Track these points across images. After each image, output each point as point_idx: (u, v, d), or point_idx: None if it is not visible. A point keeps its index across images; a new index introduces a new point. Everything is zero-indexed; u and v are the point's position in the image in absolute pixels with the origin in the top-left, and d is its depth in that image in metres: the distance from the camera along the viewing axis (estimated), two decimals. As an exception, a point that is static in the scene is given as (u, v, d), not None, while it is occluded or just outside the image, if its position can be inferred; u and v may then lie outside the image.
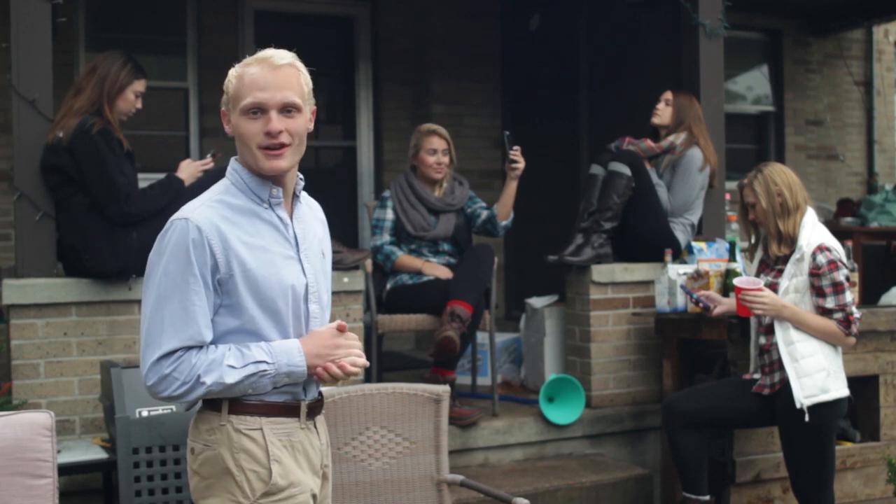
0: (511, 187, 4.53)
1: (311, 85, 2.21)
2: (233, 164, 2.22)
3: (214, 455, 2.13)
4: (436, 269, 4.51)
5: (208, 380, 2.06)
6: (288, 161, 2.15)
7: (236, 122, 2.15)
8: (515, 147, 4.45)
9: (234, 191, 2.18)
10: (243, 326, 2.12)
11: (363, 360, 2.22)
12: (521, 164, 4.46)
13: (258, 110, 2.12)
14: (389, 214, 4.62)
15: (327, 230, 2.39)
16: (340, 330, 2.20)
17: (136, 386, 3.32)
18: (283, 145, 2.13)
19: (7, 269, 4.02)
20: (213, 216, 2.11)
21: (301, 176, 2.26)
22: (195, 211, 2.12)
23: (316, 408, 2.24)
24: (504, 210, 4.60)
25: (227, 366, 2.07)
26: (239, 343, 2.12)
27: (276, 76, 2.12)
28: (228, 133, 2.20)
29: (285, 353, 2.12)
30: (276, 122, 2.11)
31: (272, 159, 2.13)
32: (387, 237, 4.59)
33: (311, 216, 2.32)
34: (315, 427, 2.24)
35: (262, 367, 2.09)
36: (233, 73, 2.17)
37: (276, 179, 2.18)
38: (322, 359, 2.15)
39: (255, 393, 2.12)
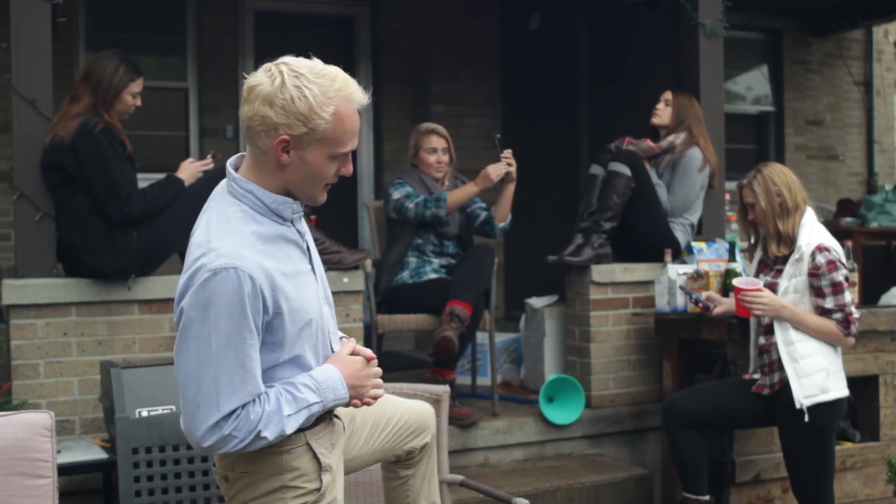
0: (508, 190, 4.53)
1: None
2: (245, 185, 2.03)
3: (257, 481, 2.06)
4: (489, 174, 4.39)
5: (269, 434, 1.97)
6: None
7: (314, 159, 2.00)
8: (506, 150, 4.44)
9: (257, 216, 2.03)
10: (284, 357, 2.04)
11: (382, 392, 2.20)
12: (514, 166, 4.46)
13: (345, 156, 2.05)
14: (411, 189, 4.52)
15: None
16: (368, 360, 2.18)
17: (135, 386, 3.32)
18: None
19: (7, 269, 4.02)
20: (257, 257, 1.96)
21: None
22: (239, 257, 1.93)
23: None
24: (501, 213, 4.59)
25: (285, 416, 1.98)
26: (280, 373, 2.04)
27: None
28: (284, 162, 2.00)
29: (331, 389, 2.06)
30: (350, 165, 2.08)
31: (325, 194, 2.10)
32: (421, 196, 4.46)
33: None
34: (335, 414, 2.23)
35: (315, 408, 2.04)
36: (323, 103, 1.97)
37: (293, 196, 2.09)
38: (355, 390, 2.12)
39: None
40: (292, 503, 2.07)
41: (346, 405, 2.16)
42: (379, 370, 2.21)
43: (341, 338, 2.29)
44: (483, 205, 4.70)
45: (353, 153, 2.15)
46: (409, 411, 2.51)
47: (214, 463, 2.16)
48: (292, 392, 2.02)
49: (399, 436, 2.48)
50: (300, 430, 2.07)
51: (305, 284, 2.09)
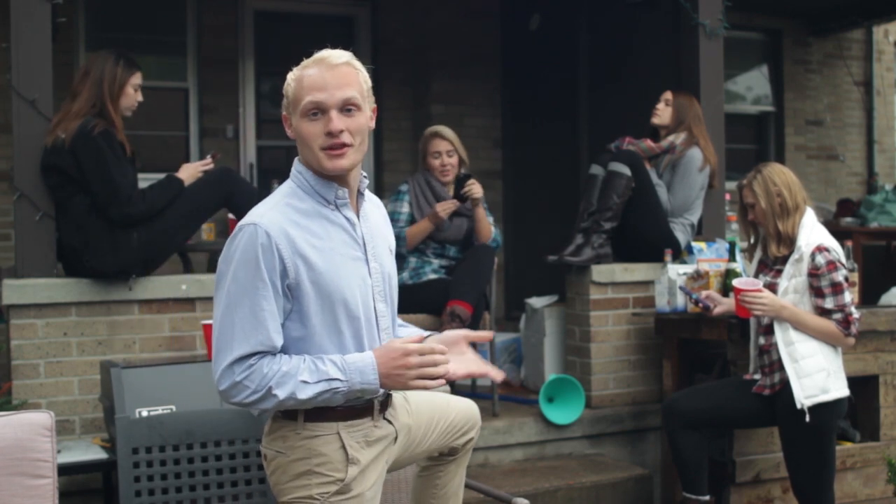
0: (478, 213, 4.54)
1: (370, 83, 2.22)
2: (296, 167, 2.22)
3: (287, 462, 2.16)
4: (437, 212, 4.43)
5: (280, 393, 2.07)
6: (350, 160, 2.16)
7: (297, 124, 2.15)
8: (469, 182, 4.44)
9: (301, 193, 2.18)
10: (315, 331, 2.13)
11: (434, 382, 2.16)
12: (477, 191, 4.45)
13: (318, 111, 2.12)
14: (405, 208, 4.58)
15: (390, 225, 2.42)
16: (408, 352, 2.16)
17: (135, 386, 3.32)
18: (344, 145, 2.13)
19: (7, 269, 4.02)
20: (282, 220, 2.11)
21: (364, 174, 2.27)
22: (263, 216, 2.11)
23: (387, 403, 2.27)
24: (481, 234, 4.58)
25: (300, 381, 2.07)
26: (313, 350, 2.12)
27: (333, 75, 2.12)
28: (291, 137, 2.20)
29: (359, 372, 2.11)
30: (337, 121, 2.12)
31: (334, 159, 2.13)
32: (402, 230, 4.52)
33: (376, 213, 2.34)
34: (385, 417, 2.27)
35: (336, 384, 2.10)
36: (291, 76, 2.18)
37: (340, 180, 2.18)
38: (391, 379, 2.14)
39: (326, 406, 2.14)
40: (317, 490, 2.14)
41: (386, 394, 2.22)
42: (430, 357, 2.15)
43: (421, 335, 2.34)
44: (489, 218, 4.69)
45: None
46: (456, 410, 2.54)
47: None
48: (316, 363, 2.10)
49: (446, 435, 2.51)
50: (333, 418, 2.15)
51: (345, 266, 2.16)
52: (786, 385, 3.57)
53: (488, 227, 4.59)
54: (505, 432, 4.39)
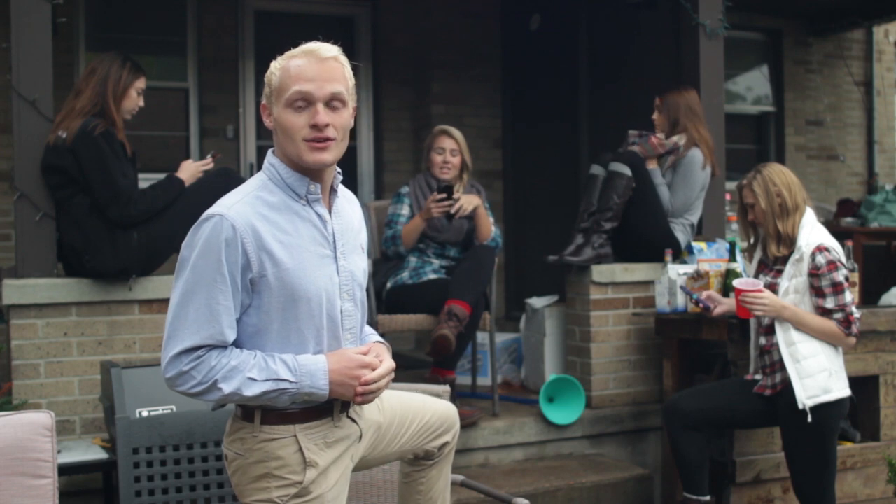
0: (476, 214, 4.52)
1: (353, 80, 2.19)
2: (269, 159, 2.18)
3: (247, 464, 2.14)
4: (429, 206, 4.40)
5: (225, 387, 2.04)
6: (332, 155, 2.13)
7: (279, 114, 2.12)
8: (454, 198, 4.42)
9: (272, 186, 2.15)
10: (274, 327, 2.10)
11: (370, 397, 2.15)
12: (466, 208, 4.45)
13: (304, 102, 2.09)
14: (405, 210, 4.59)
15: (364, 223, 2.37)
16: (367, 364, 2.16)
17: (136, 386, 3.32)
18: (328, 139, 2.10)
19: (7, 269, 4.02)
20: (250, 213, 2.07)
21: (339, 170, 2.23)
22: (231, 207, 2.07)
23: (347, 402, 2.22)
24: (482, 234, 4.57)
25: (247, 377, 2.04)
26: (269, 347, 2.09)
27: (322, 68, 2.10)
28: (269, 126, 2.17)
29: (309, 375, 2.08)
30: (323, 114, 2.09)
31: (317, 152, 2.10)
32: (398, 230, 4.56)
33: (349, 210, 2.30)
34: (348, 416, 2.23)
35: (283, 385, 2.06)
36: (276, 65, 2.14)
37: (314, 175, 2.15)
38: (342, 387, 2.12)
39: (272, 406, 2.11)
40: (276, 493, 2.11)
41: (349, 400, 2.17)
42: (372, 375, 2.15)
43: (375, 342, 2.34)
44: (490, 219, 4.68)
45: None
46: (432, 412, 2.52)
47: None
48: (267, 361, 2.07)
49: (420, 436, 2.49)
50: (290, 420, 2.11)
51: (312, 264, 2.12)
52: (787, 385, 3.57)
53: (488, 227, 4.59)
54: (505, 432, 4.39)
